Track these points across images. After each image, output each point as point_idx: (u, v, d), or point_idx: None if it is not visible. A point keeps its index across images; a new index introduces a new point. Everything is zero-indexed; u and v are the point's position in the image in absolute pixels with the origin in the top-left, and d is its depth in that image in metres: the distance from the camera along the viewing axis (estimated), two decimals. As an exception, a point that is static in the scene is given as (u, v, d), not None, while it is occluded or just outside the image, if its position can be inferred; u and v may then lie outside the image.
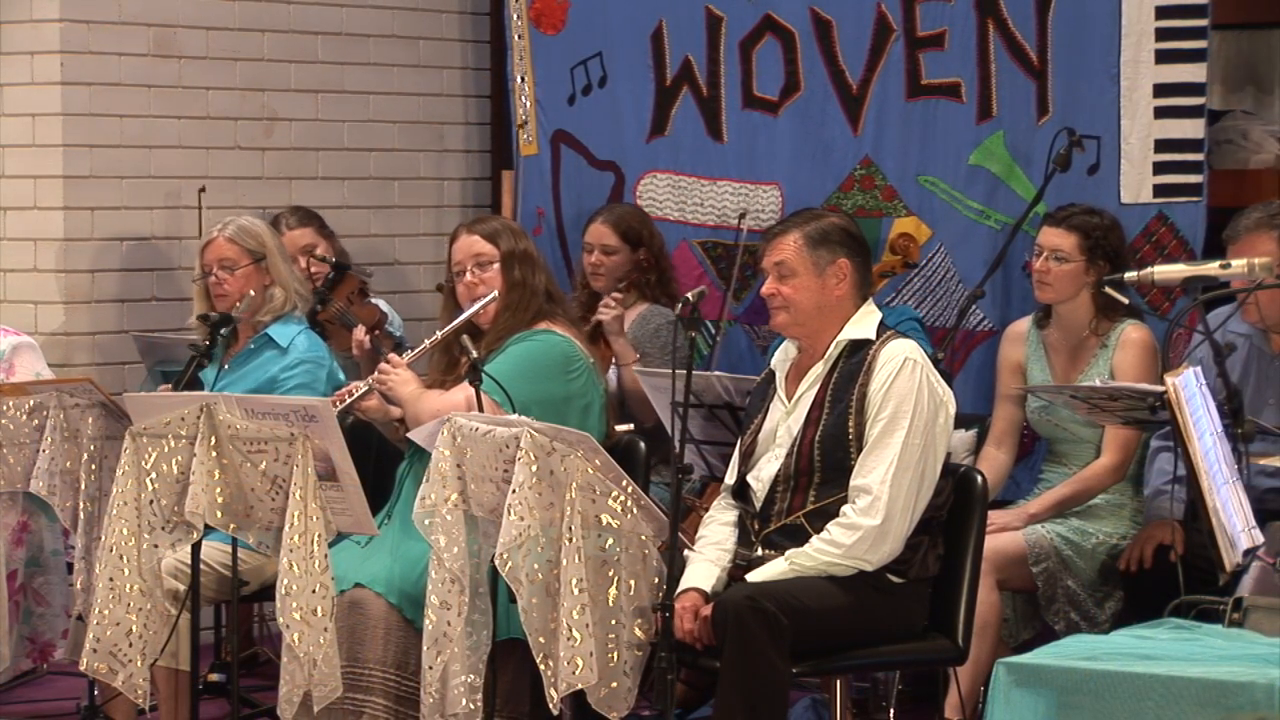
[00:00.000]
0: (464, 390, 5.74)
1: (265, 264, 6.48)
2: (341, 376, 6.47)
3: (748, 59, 7.70)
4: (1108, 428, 6.21)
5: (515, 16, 8.22)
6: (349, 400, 5.96)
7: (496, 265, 6.04)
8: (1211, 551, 4.65)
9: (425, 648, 5.37)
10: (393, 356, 6.06)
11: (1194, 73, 6.89)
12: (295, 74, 8.25)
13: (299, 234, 7.40)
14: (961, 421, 6.10)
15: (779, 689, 5.15)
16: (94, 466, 6.21)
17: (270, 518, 5.57)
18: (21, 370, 6.90)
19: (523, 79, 8.23)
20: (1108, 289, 6.06)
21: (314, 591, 5.44)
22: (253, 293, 6.43)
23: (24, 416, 6.28)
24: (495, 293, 6.00)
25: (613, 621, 5.20)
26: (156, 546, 5.64)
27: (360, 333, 7.17)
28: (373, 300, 7.48)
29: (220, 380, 6.42)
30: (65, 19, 7.66)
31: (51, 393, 6.27)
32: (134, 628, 5.63)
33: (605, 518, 5.20)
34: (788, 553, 5.29)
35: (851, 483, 5.29)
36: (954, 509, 5.44)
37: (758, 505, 5.42)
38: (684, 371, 5.32)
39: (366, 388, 6.00)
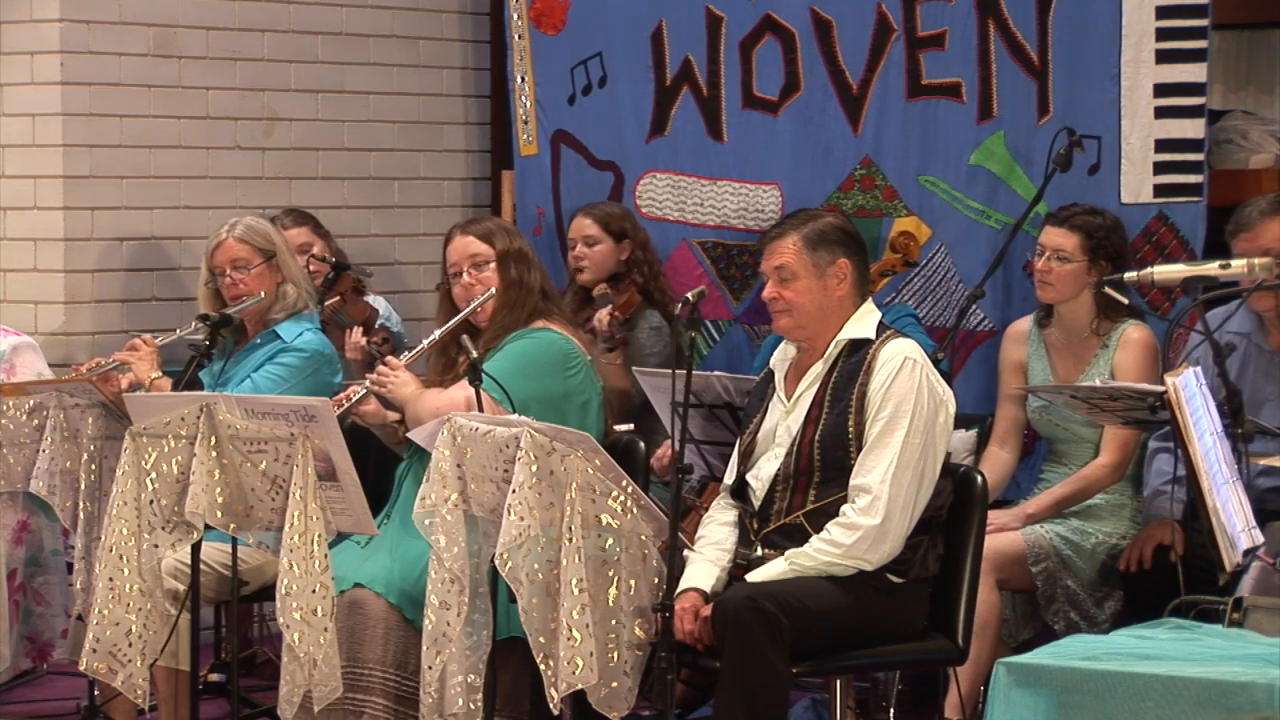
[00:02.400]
0: (463, 389, 5.74)
1: (276, 261, 6.48)
2: (338, 379, 6.46)
3: (748, 59, 7.70)
4: (1106, 427, 6.21)
5: (515, 16, 8.22)
6: (347, 405, 5.95)
7: (492, 265, 6.04)
8: (1211, 551, 4.65)
9: (425, 648, 5.37)
10: (390, 359, 6.06)
11: (1194, 73, 6.89)
12: (295, 74, 8.25)
13: (294, 234, 7.40)
14: (962, 421, 6.11)
15: (779, 689, 5.15)
16: (94, 466, 6.21)
17: (270, 518, 5.57)
18: (22, 370, 6.90)
19: (523, 79, 8.23)
20: (1108, 289, 6.06)
21: (314, 591, 5.44)
22: (263, 294, 6.42)
23: (24, 416, 6.28)
24: (493, 289, 6.00)
25: (613, 621, 5.20)
26: (156, 546, 5.65)
27: (357, 334, 7.17)
28: (368, 299, 7.49)
29: (223, 374, 6.42)
30: (65, 19, 7.66)
31: (51, 393, 6.27)
32: (134, 628, 5.63)
33: (605, 518, 5.20)
34: (788, 553, 5.29)
35: (851, 482, 5.29)
36: (954, 509, 5.44)
37: (757, 505, 5.42)
38: (684, 371, 5.33)
39: (364, 391, 6.00)
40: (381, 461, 6.22)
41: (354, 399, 5.98)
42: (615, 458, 5.27)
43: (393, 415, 6.08)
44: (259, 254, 6.45)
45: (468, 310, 6.00)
